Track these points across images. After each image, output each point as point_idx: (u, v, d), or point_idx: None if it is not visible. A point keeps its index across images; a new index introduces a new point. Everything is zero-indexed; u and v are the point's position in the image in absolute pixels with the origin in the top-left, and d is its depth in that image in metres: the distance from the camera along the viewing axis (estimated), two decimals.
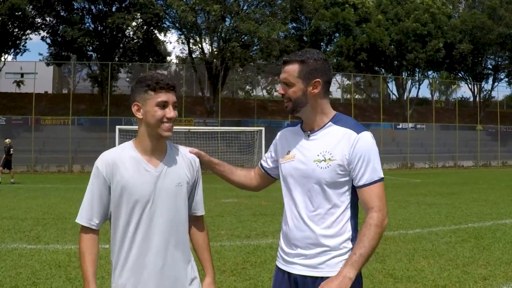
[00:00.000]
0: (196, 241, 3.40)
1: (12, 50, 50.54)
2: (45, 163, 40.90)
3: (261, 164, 3.63)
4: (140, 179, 3.07)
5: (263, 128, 39.37)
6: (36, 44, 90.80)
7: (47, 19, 48.59)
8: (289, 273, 3.20)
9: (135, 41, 51.24)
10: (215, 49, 49.52)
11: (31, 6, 45.17)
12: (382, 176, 3.14)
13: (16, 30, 48.28)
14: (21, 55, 48.55)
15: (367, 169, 3.07)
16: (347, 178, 3.11)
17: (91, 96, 57.25)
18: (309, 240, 3.11)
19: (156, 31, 52.20)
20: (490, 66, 63.90)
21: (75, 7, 47.67)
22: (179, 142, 3.74)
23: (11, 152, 29.02)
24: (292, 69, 3.14)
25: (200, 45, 50.96)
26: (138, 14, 47.30)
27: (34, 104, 42.99)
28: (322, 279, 3.02)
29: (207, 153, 3.58)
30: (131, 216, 3.07)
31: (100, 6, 47.93)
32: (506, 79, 66.04)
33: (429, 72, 65.89)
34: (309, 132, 3.22)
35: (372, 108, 65.42)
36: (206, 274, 3.37)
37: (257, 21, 46.41)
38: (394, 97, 68.91)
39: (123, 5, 47.64)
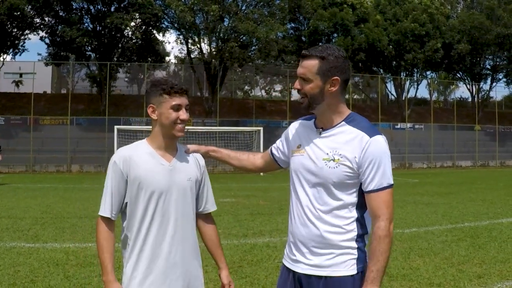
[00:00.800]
0: (209, 236, 3.64)
1: (10, 50, 50.45)
2: (43, 163, 40.90)
3: (271, 151, 3.65)
4: (155, 172, 3.28)
5: (261, 128, 39.48)
6: (35, 44, 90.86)
7: (46, 19, 48.52)
8: (294, 272, 3.20)
9: (133, 41, 51.19)
10: (213, 49, 49.50)
11: (30, 6, 45.13)
12: (392, 182, 3.10)
13: (15, 30, 48.20)
14: (20, 55, 48.63)
15: (377, 174, 3.03)
16: (355, 180, 3.07)
17: (89, 96, 57.29)
18: (314, 238, 3.10)
19: (154, 31, 52.13)
20: (489, 67, 63.92)
21: (74, 7, 47.63)
22: (186, 142, 3.85)
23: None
24: (311, 65, 3.07)
25: (198, 45, 50.92)
26: (137, 14, 47.26)
27: (33, 104, 42.96)
28: (326, 278, 3.05)
29: None
30: (148, 207, 3.27)
31: (99, 6, 47.91)
32: (504, 80, 66.07)
33: (428, 72, 66.01)
34: (321, 129, 3.18)
35: (371, 108, 65.42)
36: (221, 267, 3.61)
37: (255, 21, 46.37)
38: (392, 97, 68.94)
39: (122, 5, 47.61)
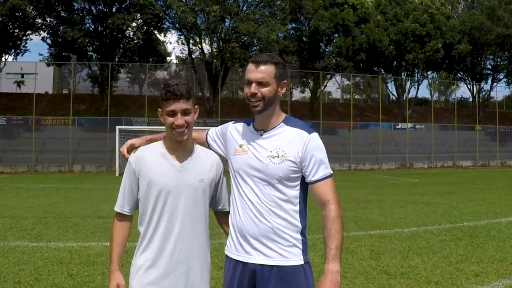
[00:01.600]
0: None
1: (12, 51, 50.52)
2: (45, 163, 40.98)
3: (207, 140, 3.78)
4: (164, 172, 3.41)
5: None
6: (37, 45, 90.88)
7: (48, 19, 48.57)
8: (244, 263, 3.35)
9: (135, 41, 51.24)
10: (214, 50, 49.59)
11: (31, 7, 45.21)
12: (332, 172, 3.38)
13: (17, 30, 48.28)
14: (22, 55, 48.64)
15: (320, 166, 3.31)
16: (299, 174, 3.33)
17: (91, 96, 57.37)
18: (266, 233, 3.28)
19: (156, 32, 52.22)
20: (489, 67, 63.89)
21: (76, 7, 47.68)
22: None
23: None
24: (269, 70, 3.30)
25: (199, 46, 51.05)
26: (138, 14, 47.37)
27: (35, 104, 43.07)
28: (279, 267, 3.26)
29: None
30: (156, 205, 3.42)
31: (100, 7, 47.97)
32: (505, 80, 66.00)
33: (428, 73, 65.95)
34: (262, 131, 3.41)
35: (371, 108, 65.51)
36: None
37: (256, 22, 46.49)
38: (393, 97, 69.00)
39: (123, 5, 47.69)
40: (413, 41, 55.13)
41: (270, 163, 3.28)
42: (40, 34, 50.24)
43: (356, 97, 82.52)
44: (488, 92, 65.28)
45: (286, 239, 3.29)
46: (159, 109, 3.43)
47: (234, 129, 3.60)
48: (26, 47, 51.09)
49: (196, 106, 3.46)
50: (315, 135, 3.35)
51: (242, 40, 48.92)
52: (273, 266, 3.26)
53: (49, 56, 51.50)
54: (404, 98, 60.14)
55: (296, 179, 3.33)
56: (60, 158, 41.26)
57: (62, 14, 48.00)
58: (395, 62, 58.76)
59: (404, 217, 14.34)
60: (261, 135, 3.40)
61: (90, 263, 8.59)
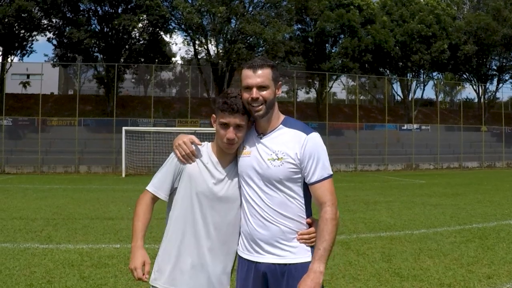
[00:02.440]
0: None
1: (18, 52, 50.60)
2: (51, 164, 41.03)
3: None
4: (207, 175, 3.44)
5: None
6: (42, 46, 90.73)
7: (54, 20, 48.56)
8: (256, 263, 3.39)
9: (141, 42, 51.23)
10: (220, 51, 49.63)
11: (37, 8, 45.25)
12: (332, 173, 3.42)
13: (23, 31, 48.33)
14: (28, 56, 48.60)
15: (318, 167, 3.35)
16: (299, 175, 3.37)
17: (97, 97, 57.41)
18: (275, 236, 3.34)
19: (162, 33, 52.23)
20: (495, 67, 63.68)
21: (81, 8, 47.68)
22: None
23: None
24: (267, 73, 3.37)
25: (205, 47, 51.10)
26: (144, 15, 47.33)
27: (41, 105, 43.18)
28: (290, 265, 3.32)
29: None
30: (193, 205, 3.43)
31: (106, 8, 47.98)
32: (511, 80, 65.96)
33: (434, 73, 65.72)
34: (261, 134, 3.45)
35: (377, 109, 65.45)
36: None
37: (262, 23, 46.52)
38: (399, 98, 68.79)
39: (129, 6, 47.70)
40: (419, 42, 55.07)
41: (271, 166, 3.33)
42: (46, 35, 50.30)
43: (361, 98, 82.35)
44: (493, 93, 65.16)
45: (294, 237, 3.36)
46: (213, 115, 3.47)
47: None
48: (32, 48, 51.13)
49: (250, 120, 3.47)
50: (313, 135, 3.38)
51: (248, 41, 48.91)
52: (285, 264, 3.32)
53: (55, 57, 51.60)
54: (410, 99, 60.08)
55: (298, 180, 3.39)
56: (66, 159, 41.32)
57: (68, 15, 48.01)
58: (400, 63, 58.66)
59: (413, 219, 14.32)
60: (261, 138, 3.45)
61: (101, 266, 8.58)
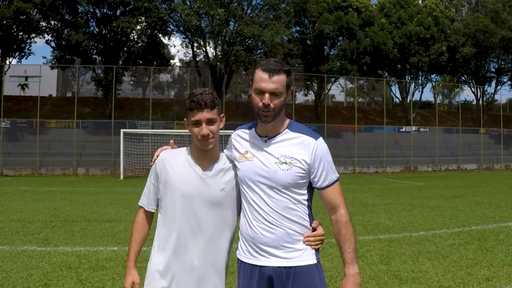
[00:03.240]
0: None
1: (16, 54, 50.57)
2: (50, 166, 40.91)
3: None
4: (186, 178, 3.41)
5: None
6: (41, 48, 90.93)
7: (52, 22, 48.47)
8: (261, 266, 3.35)
9: (139, 44, 51.22)
10: (219, 53, 49.61)
11: (36, 10, 45.21)
12: (338, 175, 3.45)
13: (21, 33, 48.28)
14: (26, 58, 48.28)
15: (328, 171, 3.36)
16: (306, 180, 3.36)
17: (95, 99, 57.38)
18: (280, 240, 3.30)
19: (160, 35, 52.21)
20: (493, 69, 63.71)
21: (80, 10, 47.63)
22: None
23: None
24: (282, 79, 3.29)
25: (204, 49, 51.05)
26: (143, 18, 47.26)
27: (39, 107, 43.12)
28: (296, 268, 3.29)
29: None
30: (175, 210, 3.42)
31: (105, 10, 47.89)
32: (509, 82, 65.94)
33: (432, 76, 65.72)
34: (266, 137, 3.40)
35: (375, 111, 65.46)
36: None
37: (261, 25, 46.48)
38: (397, 100, 68.92)
39: (128, 9, 47.64)
40: (417, 44, 55.08)
41: (279, 170, 3.28)
42: (44, 37, 50.19)
43: (360, 100, 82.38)
44: (492, 95, 65.23)
45: (299, 240, 3.32)
46: (185, 119, 3.44)
47: (237, 136, 3.61)
48: (30, 50, 51.11)
49: (222, 115, 3.49)
50: (321, 140, 3.37)
51: (247, 43, 48.88)
52: (291, 267, 3.28)
53: (53, 59, 51.51)
54: (408, 101, 60.05)
55: (304, 184, 3.36)
56: (64, 161, 41.23)
57: (67, 17, 47.94)
58: (399, 65, 58.62)
59: (411, 221, 14.31)
60: (265, 141, 3.39)
61: (99, 268, 8.54)
